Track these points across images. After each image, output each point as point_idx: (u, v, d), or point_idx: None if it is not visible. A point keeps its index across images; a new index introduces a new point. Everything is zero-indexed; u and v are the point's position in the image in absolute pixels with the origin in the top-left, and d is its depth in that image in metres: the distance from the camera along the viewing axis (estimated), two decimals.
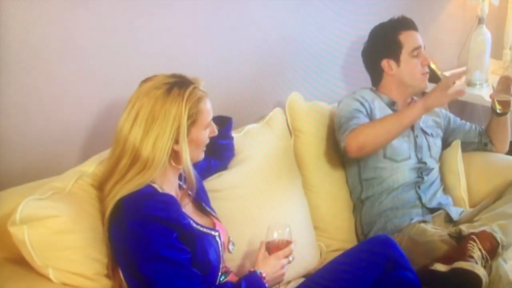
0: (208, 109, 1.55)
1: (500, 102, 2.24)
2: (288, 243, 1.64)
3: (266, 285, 1.57)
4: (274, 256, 1.61)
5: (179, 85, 1.49)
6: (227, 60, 2.18)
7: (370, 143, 2.00)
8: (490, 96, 2.27)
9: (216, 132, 1.62)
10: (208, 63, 2.11)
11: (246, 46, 2.23)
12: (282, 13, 2.31)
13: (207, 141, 1.59)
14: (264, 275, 1.57)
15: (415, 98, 2.32)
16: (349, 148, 2.00)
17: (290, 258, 1.64)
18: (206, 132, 1.57)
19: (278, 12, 2.29)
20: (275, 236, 1.65)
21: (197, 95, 1.50)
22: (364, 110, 2.12)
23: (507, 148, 2.41)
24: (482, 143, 2.40)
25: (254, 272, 1.57)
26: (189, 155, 1.50)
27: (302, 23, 2.39)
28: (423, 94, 2.64)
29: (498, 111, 2.26)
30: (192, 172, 1.53)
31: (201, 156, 1.60)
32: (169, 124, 1.45)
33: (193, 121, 1.50)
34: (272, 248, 1.63)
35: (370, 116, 2.14)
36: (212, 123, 1.59)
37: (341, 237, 2.16)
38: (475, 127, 2.42)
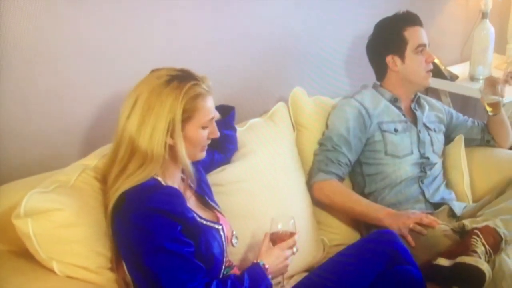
0: (207, 108, 1.51)
1: (490, 105, 2.25)
2: (292, 234, 1.64)
3: (269, 276, 1.56)
4: (278, 247, 1.61)
5: (180, 78, 1.48)
6: (230, 55, 2.18)
7: (330, 205, 2.10)
8: (481, 100, 2.28)
9: (218, 134, 1.58)
10: (211, 57, 2.11)
11: (249, 41, 2.23)
12: (286, 7, 2.30)
13: (206, 141, 1.56)
14: (267, 266, 1.56)
15: (418, 94, 2.31)
16: (314, 194, 2.10)
17: (294, 249, 1.64)
18: (204, 132, 1.53)
19: (282, 7, 2.29)
20: (279, 227, 1.65)
21: (196, 91, 1.48)
22: (357, 127, 2.11)
23: (509, 143, 2.41)
24: (485, 139, 2.40)
25: (257, 263, 1.57)
26: (186, 153, 1.49)
27: (306, 17, 2.38)
28: (426, 90, 2.64)
29: (489, 113, 2.28)
30: (190, 169, 1.52)
31: (200, 156, 1.57)
32: (164, 115, 1.44)
33: (188, 116, 1.48)
34: (276, 239, 1.64)
35: (370, 123, 2.13)
36: (214, 124, 1.55)
37: (344, 232, 2.16)
38: (478, 123, 2.42)
